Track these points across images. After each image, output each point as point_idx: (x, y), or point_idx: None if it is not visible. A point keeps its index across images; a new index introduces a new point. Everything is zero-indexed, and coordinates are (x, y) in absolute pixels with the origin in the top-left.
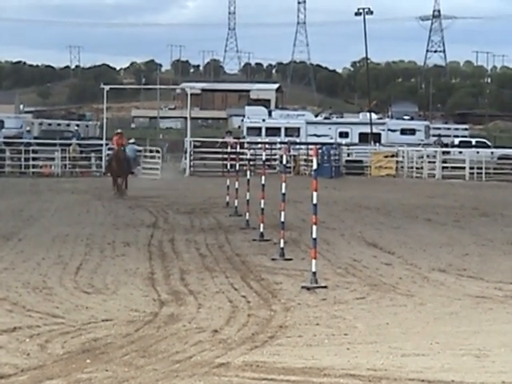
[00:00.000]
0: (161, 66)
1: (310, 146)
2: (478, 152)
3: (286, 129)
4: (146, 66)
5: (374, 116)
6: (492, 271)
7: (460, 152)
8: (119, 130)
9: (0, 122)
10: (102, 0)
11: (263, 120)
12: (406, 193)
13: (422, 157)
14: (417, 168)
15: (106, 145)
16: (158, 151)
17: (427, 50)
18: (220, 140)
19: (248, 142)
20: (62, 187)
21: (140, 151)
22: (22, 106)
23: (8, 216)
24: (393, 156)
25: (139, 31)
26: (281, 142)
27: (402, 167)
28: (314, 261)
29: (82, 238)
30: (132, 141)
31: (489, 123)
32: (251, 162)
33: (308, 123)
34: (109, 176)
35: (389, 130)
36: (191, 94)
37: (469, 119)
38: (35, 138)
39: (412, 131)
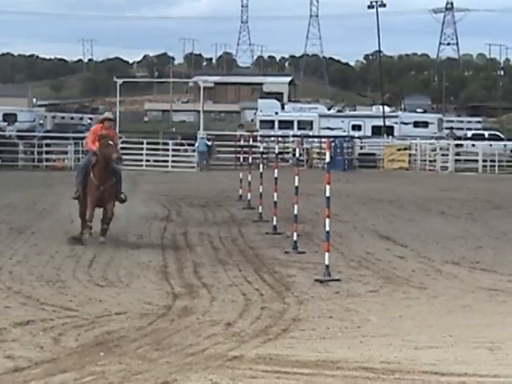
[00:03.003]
0: (173, 59)
1: (323, 139)
2: (490, 145)
3: (299, 122)
4: (159, 59)
5: (386, 109)
6: (505, 264)
7: (473, 145)
8: (107, 114)
9: (13, 115)
10: None
11: (276, 113)
12: (419, 186)
13: (435, 150)
14: (430, 161)
15: (120, 138)
16: (193, 144)
17: (440, 43)
18: (238, 133)
19: (261, 135)
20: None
21: (210, 146)
22: (34, 100)
23: (21, 209)
24: (406, 149)
25: (152, 24)
26: (294, 135)
27: (415, 160)
28: (327, 254)
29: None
30: (202, 135)
31: (502, 116)
32: (264, 156)
33: (321, 116)
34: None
35: (402, 122)
36: (204, 88)
37: (482, 112)
38: (48, 131)
39: (425, 124)
